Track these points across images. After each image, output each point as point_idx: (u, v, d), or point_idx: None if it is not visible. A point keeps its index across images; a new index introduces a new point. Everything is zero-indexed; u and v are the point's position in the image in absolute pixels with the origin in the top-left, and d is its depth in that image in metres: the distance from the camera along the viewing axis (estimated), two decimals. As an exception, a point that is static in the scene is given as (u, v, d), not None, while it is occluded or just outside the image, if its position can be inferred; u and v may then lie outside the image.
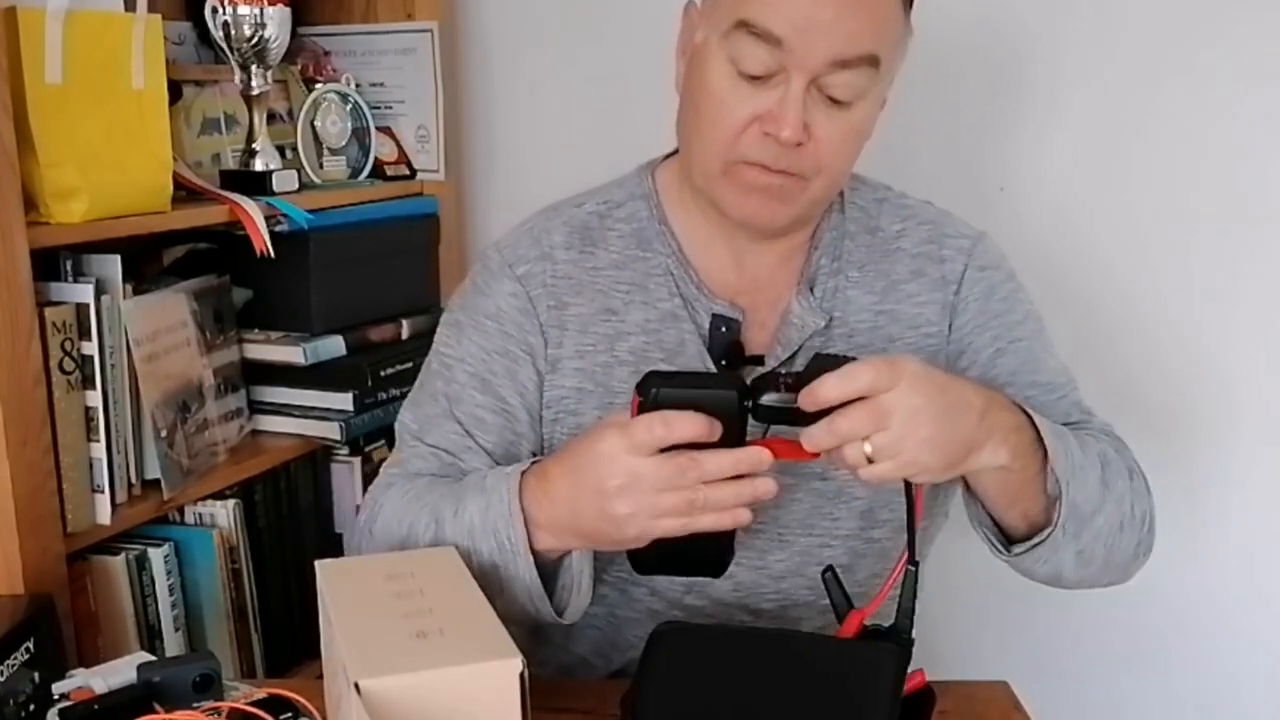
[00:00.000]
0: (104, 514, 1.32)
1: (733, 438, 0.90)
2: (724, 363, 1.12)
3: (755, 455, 0.91)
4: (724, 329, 1.13)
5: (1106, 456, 1.07)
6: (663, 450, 0.90)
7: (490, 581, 0.99)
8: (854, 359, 0.91)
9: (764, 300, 1.15)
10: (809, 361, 0.93)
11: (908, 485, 0.93)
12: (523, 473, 1.01)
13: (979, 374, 1.15)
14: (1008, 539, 1.06)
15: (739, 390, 0.91)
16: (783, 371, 0.92)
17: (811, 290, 1.14)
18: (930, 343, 1.15)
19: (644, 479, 0.90)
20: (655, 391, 0.90)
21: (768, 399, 0.90)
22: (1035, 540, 1.02)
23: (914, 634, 0.93)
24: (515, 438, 1.14)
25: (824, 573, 0.97)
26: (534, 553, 0.99)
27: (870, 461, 0.89)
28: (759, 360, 1.12)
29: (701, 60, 1.07)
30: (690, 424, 0.89)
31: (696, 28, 1.09)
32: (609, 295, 1.14)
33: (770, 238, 1.14)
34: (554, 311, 1.14)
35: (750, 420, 0.92)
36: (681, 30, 1.12)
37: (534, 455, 1.15)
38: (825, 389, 0.88)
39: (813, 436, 0.89)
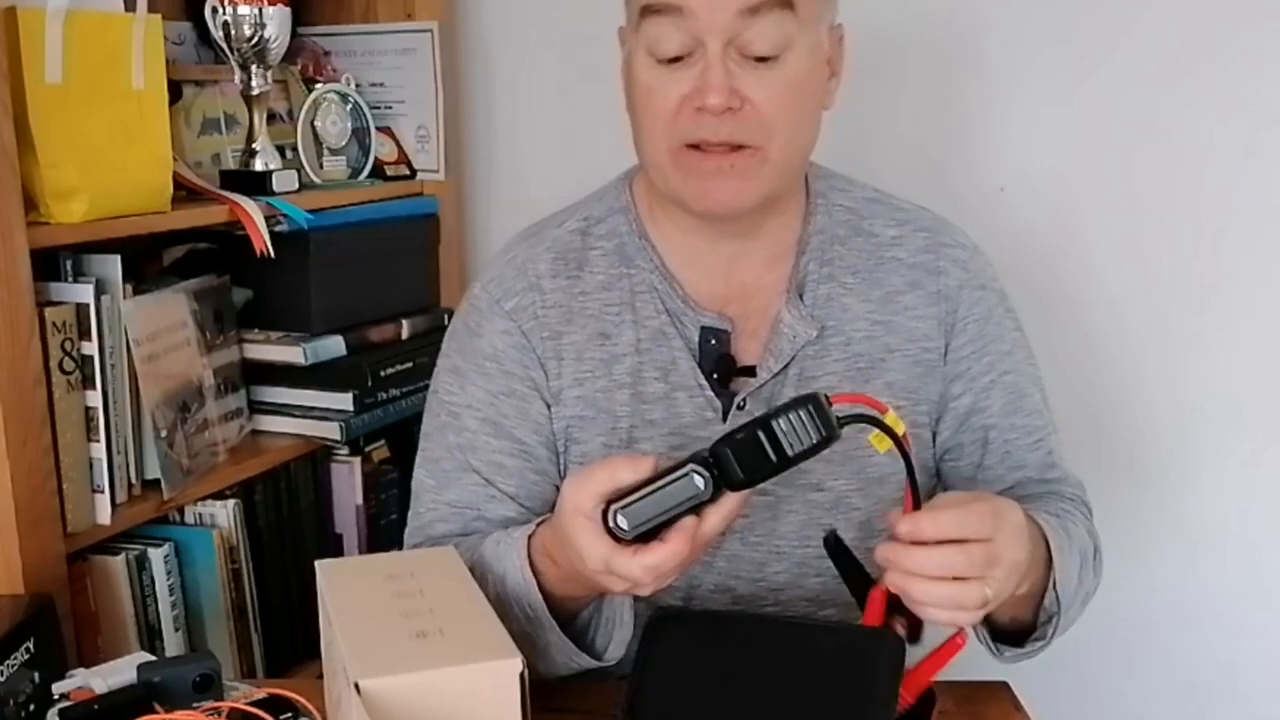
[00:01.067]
0: (104, 514, 1.32)
1: (714, 498, 0.88)
2: (714, 376, 1.10)
3: (739, 500, 0.89)
4: (713, 341, 1.11)
5: (1085, 551, 1.07)
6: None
7: (526, 647, 0.98)
8: (816, 395, 0.86)
9: (753, 308, 1.13)
10: (771, 415, 0.87)
11: (907, 459, 0.90)
12: (529, 536, 1.00)
13: (970, 403, 1.13)
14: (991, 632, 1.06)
15: (706, 479, 0.86)
16: (746, 431, 0.86)
17: (801, 298, 1.12)
18: (928, 357, 1.13)
19: (643, 576, 0.89)
20: (625, 534, 0.87)
21: (740, 474, 0.86)
22: (1026, 650, 1.04)
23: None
24: (537, 477, 1.13)
25: (826, 539, 0.95)
26: (566, 599, 0.99)
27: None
28: (750, 372, 1.10)
29: (630, 69, 1.07)
30: (673, 558, 0.87)
31: (624, 42, 1.09)
32: (600, 319, 1.13)
33: (746, 226, 1.11)
34: (549, 343, 1.12)
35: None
36: (620, 50, 1.12)
37: (558, 488, 1.13)
38: (942, 525, 0.87)
39: (922, 563, 0.86)
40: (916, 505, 0.91)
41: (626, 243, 1.15)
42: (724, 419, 1.10)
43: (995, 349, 1.14)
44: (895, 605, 0.92)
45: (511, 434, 1.12)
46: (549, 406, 1.12)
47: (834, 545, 0.96)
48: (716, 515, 0.88)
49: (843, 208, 1.16)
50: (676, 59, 1.02)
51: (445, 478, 1.13)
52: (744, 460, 0.86)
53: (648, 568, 0.87)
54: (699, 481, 0.86)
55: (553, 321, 1.12)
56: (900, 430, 0.89)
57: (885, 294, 1.13)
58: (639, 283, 1.13)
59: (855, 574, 0.96)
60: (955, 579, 0.86)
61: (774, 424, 0.85)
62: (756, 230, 1.12)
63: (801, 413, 0.85)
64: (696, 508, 0.87)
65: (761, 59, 1.01)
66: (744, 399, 1.10)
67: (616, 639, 1.00)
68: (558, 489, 1.13)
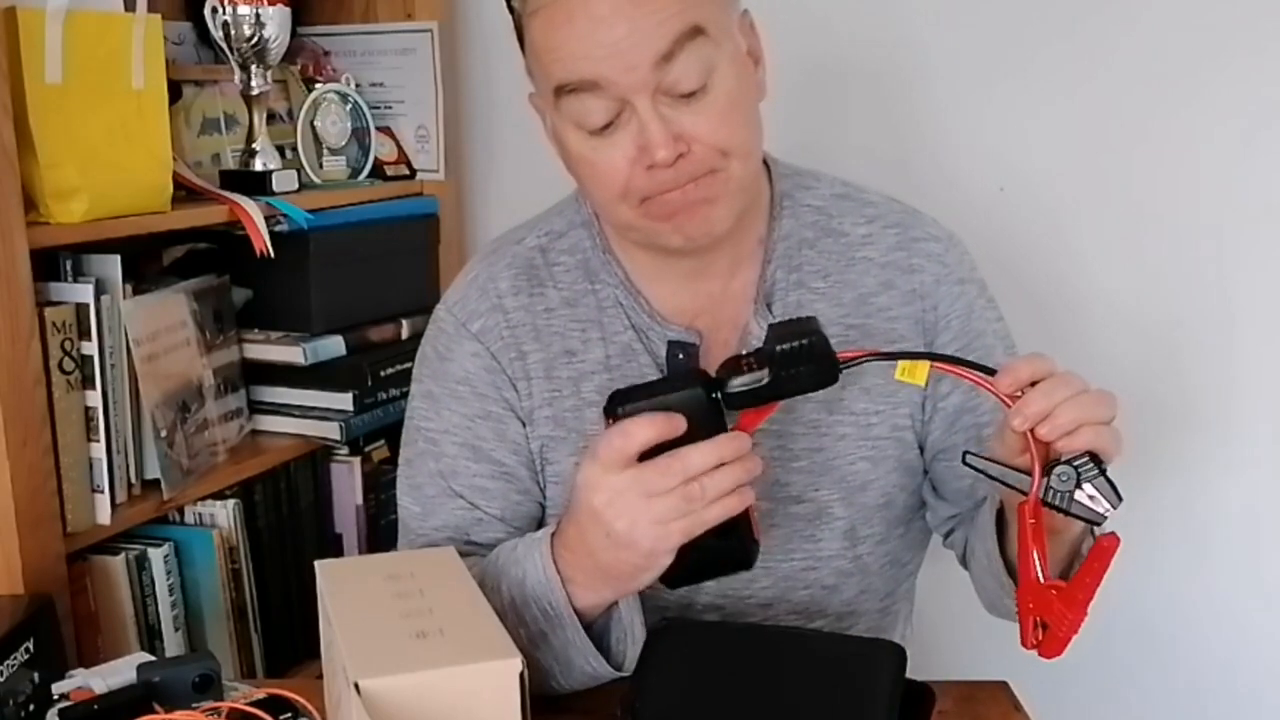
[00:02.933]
0: (104, 514, 1.32)
1: (710, 430, 0.89)
2: None
3: (735, 442, 0.89)
4: (681, 355, 1.09)
5: None
6: (642, 460, 0.89)
7: (544, 653, 0.97)
8: (812, 318, 0.90)
9: (723, 319, 1.11)
10: (767, 333, 0.91)
11: (951, 359, 0.93)
12: (551, 534, 0.99)
13: (960, 402, 1.11)
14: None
15: (703, 385, 0.90)
16: (745, 354, 0.90)
17: (770, 308, 1.10)
18: None
19: (627, 490, 0.88)
20: (620, 410, 0.90)
21: (737, 384, 0.89)
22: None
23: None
24: (520, 497, 1.12)
25: (967, 460, 0.93)
26: (579, 612, 0.96)
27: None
28: None
29: (559, 138, 1.04)
30: (647, 426, 0.88)
31: (545, 113, 1.06)
32: (565, 336, 1.11)
33: (719, 244, 1.08)
34: (517, 363, 1.11)
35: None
36: (540, 118, 1.09)
37: (543, 505, 1.13)
38: (1034, 365, 0.88)
39: (1050, 392, 0.87)
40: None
41: (590, 258, 1.13)
42: None
43: (980, 344, 1.12)
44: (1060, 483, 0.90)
45: (490, 456, 1.11)
46: (525, 425, 1.12)
47: (975, 462, 0.93)
48: (708, 447, 0.88)
49: (810, 208, 1.14)
50: (607, 125, 0.99)
51: (430, 504, 1.12)
52: (741, 378, 0.89)
53: (621, 428, 0.88)
54: (698, 388, 0.89)
55: (519, 340, 1.11)
56: (923, 375, 0.91)
57: (857, 296, 1.11)
58: (605, 298, 1.12)
59: (1003, 472, 0.93)
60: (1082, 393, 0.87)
61: (780, 372, 0.88)
62: (719, 240, 1.08)
63: (808, 363, 0.89)
64: (693, 413, 0.89)
65: (690, 93, 0.98)
66: None
67: (631, 652, 0.99)
68: (542, 507, 1.13)
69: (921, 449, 1.14)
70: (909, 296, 1.12)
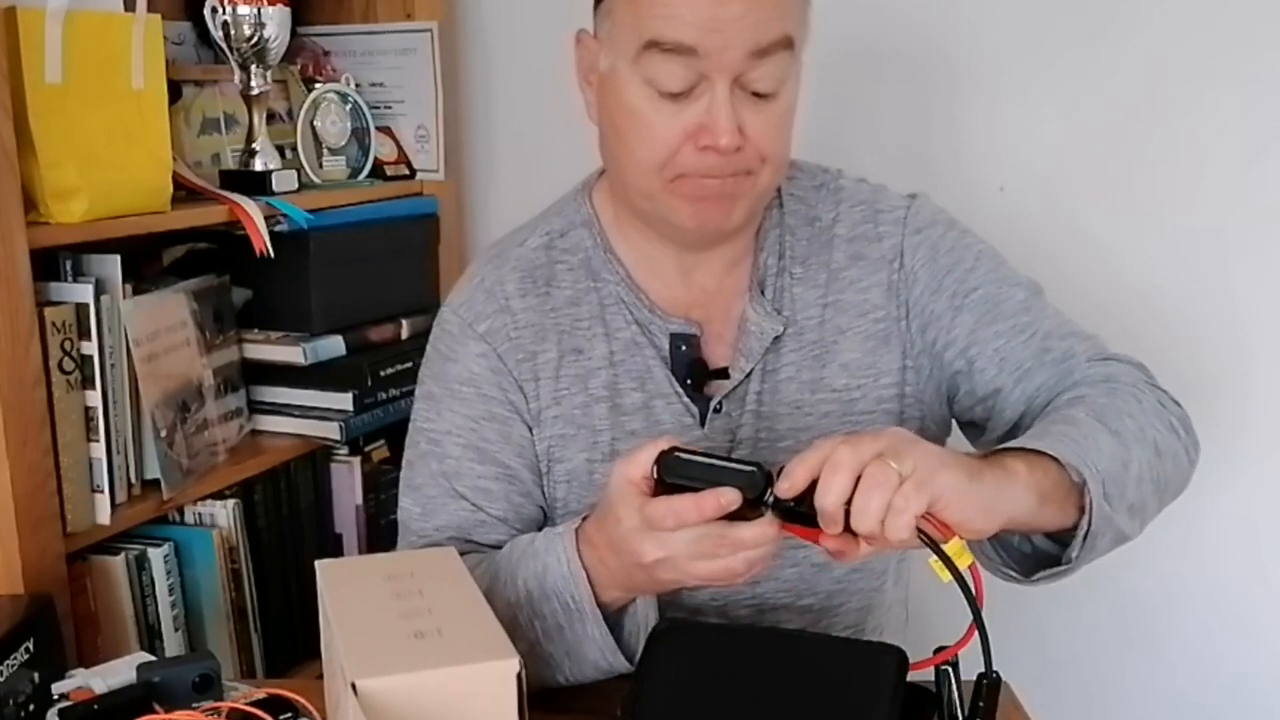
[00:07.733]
0: (104, 514, 1.32)
1: (753, 511, 0.89)
2: (689, 381, 1.11)
3: (776, 532, 0.89)
4: (683, 347, 1.11)
5: (1099, 409, 1.02)
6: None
7: (558, 646, 0.98)
8: None
9: (717, 312, 1.13)
10: None
11: (965, 589, 0.88)
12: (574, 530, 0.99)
13: (945, 341, 1.12)
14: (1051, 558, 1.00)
15: (759, 481, 0.88)
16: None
17: (763, 292, 1.12)
18: (879, 328, 1.13)
19: (679, 554, 0.90)
20: (666, 473, 0.89)
21: (788, 502, 0.87)
22: (1082, 531, 0.95)
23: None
24: (522, 500, 1.12)
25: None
26: (601, 600, 0.97)
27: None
28: (723, 374, 1.11)
29: (615, 88, 1.05)
30: (695, 512, 0.88)
31: (597, 56, 1.07)
32: (572, 334, 1.12)
33: (721, 241, 1.11)
34: (524, 364, 1.12)
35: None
36: (578, 60, 1.10)
37: (543, 509, 1.14)
38: (791, 473, 0.86)
39: (824, 502, 0.85)
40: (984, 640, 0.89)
41: (592, 256, 1.14)
42: (701, 424, 1.10)
43: (952, 278, 1.13)
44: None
45: (495, 458, 1.11)
46: (530, 429, 1.12)
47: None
48: (754, 528, 0.88)
49: (794, 197, 1.16)
50: (679, 94, 1.01)
51: (431, 505, 1.13)
52: (800, 496, 0.87)
53: (673, 509, 0.88)
54: (754, 476, 0.88)
55: (525, 342, 1.12)
56: (965, 562, 0.88)
57: (829, 274, 1.13)
58: (607, 295, 1.13)
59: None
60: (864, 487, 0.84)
61: None
62: (729, 237, 1.12)
63: None
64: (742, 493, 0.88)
65: (762, 95, 1.02)
66: (719, 402, 1.10)
67: (643, 644, 0.98)
68: (543, 510, 1.13)
69: (951, 401, 1.15)
70: (878, 264, 1.13)
